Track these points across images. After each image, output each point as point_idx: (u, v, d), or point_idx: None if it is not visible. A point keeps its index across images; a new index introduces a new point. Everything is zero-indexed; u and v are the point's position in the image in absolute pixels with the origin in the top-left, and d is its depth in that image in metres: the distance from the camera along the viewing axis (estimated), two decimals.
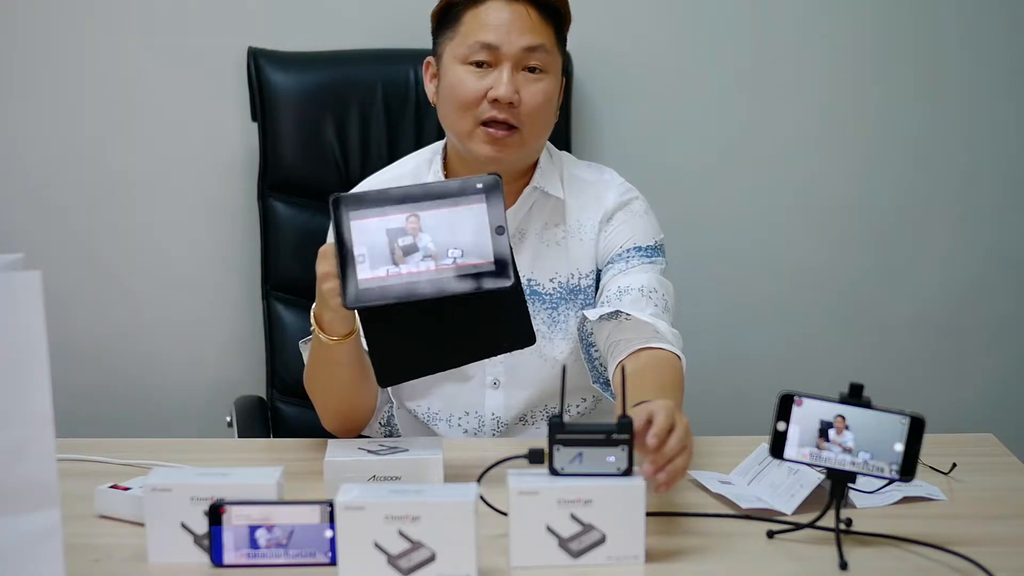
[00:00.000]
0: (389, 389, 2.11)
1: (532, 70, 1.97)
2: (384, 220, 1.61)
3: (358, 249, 1.61)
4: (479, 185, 1.63)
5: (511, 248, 1.63)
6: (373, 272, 1.61)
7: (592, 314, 1.94)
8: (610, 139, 2.63)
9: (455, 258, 1.62)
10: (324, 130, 2.46)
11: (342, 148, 2.47)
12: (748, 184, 2.69)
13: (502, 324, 1.68)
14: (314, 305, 1.78)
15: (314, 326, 1.79)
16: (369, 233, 1.61)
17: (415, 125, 2.47)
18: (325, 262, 1.68)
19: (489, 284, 1.62)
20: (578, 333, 2.01)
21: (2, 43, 2.56)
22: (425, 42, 2.49)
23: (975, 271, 2.75)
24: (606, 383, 2.02)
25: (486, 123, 1.95)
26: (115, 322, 2.67)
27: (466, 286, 1.62)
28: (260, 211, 2.50)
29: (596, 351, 2.00)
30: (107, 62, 2.58)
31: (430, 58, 2.05)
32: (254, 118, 2.48)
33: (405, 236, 1.61)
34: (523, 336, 1.71)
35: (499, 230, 1.62)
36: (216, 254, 2.65)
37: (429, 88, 2.06)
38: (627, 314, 1.90)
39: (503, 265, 1.62)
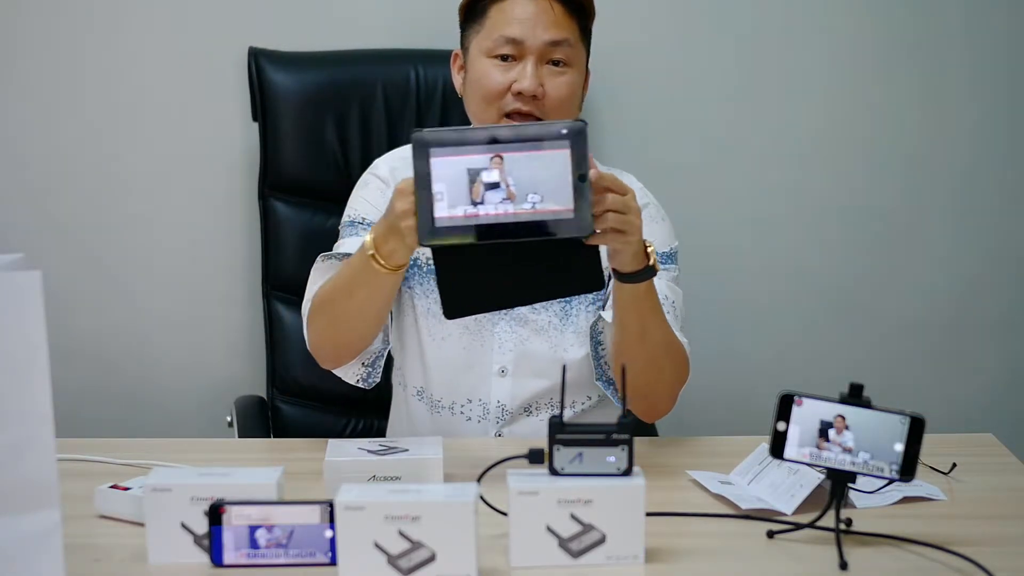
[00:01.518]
0: (394, 370, 2.13)
1: (556, 63, 2.00)
2: (465, 159, 1.60)
3: (436, 186, 1.60)
4: (564, 131, 1.61)
5: (591, 196, 1.61)
6: (451, 211, 1.60)
7: (609, 315, 1.94)
8: (610, 138, 2.63)
9: (534, 203, 1.60)
10: (325, 130, 2.46)
11: (343, 148, 2.47)
12: (748, 184, 2.69)
13: (572, 267, 1.67)
14: (374, 230, 1.77)
15: (371, 251, 1.76)
16: (449, 171, 1.60)
17: (416, 125, 2.47)
18: (403, 199, 1.66)
19: (566, 231, 1.61)
20: (590, 331, 2.01)
21: (2, 43, 2.56)
22: (425, 42, 2.50)
23: (975, 271, 2.75)
24: (608, 381, 2.02)
25: (510, 115, 1.99)
26: (115, 322, 2.67)
27: (542, 232, 1.60)
28: (260, 211, 2.50)
29: (603, 349, 2.00)
30: (108, 62, 2.58)
31: (458, 51, 2.10)
32: (255, 118, 2.48)
33: (490, 171, 1.59)
34: (592, 280, 1.68)
35: (581, 178, 1.61)
36: (216, 254, 2.65)
37: (456, 80, 2.10)
38: None
39: (583, 213, 1.61)
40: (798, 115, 2.68)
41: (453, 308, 1.71)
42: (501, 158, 1.60)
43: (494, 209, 1.60)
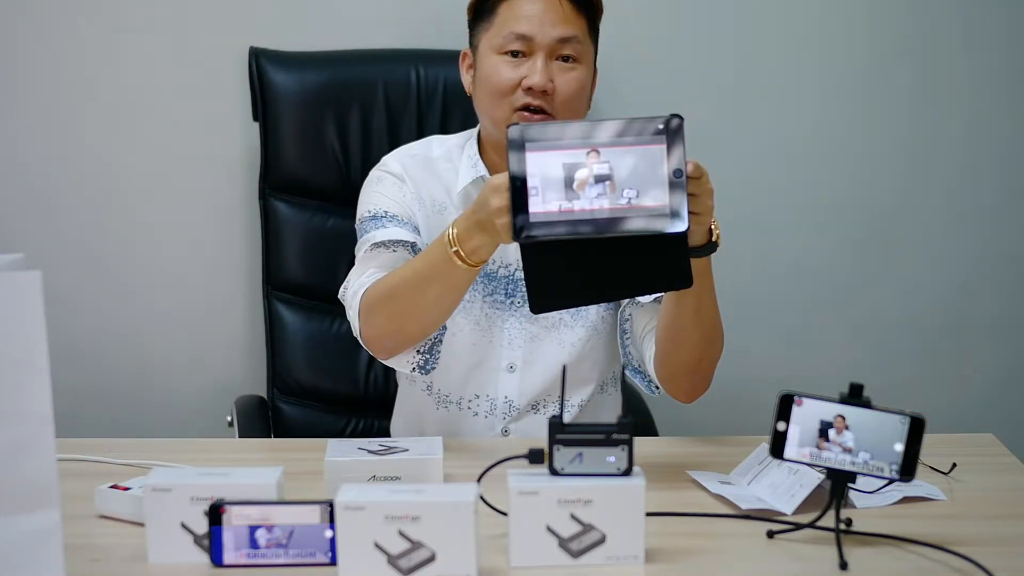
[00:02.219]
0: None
1: (565, 59, 2.01)
2: (562, 154, 1.59)
3: (532, 181, 1.59)
4: (660, 126, 1.60)
5: (687, 192, 1.60)
6: (545, 206, 1.59)
7: (646, 298, 1.96)
8: None
9: (630, 198, 1.59)
10: (325, 130, 2.46)
11: (343, 148, 2.46)
12: (747, 184, 2.69)
13: (662, 264, 1.65)
14: (458, 225, 1.76)
15: (455, 247, 1.75)
16: (545, 166, 1.59)
17: (416, 125, 2.47)
18: (497, 195, 1.65)
19: (662, 227, 1.59)
20: (618, 317, 2.03)
21: (2, 43, 2.56)
22: (426, 42, 2.50)
23: (975, 270, 2.75)
24: (636, 369, 2.02)
25: (521, 110, 1.99)
26: (115, 322, 2.67)
27: (638, 227, 1.59)
28: (261, 211, 2.50)
29: (628, 338, 2.03)
30: (108, 62, 2.58)
31: (466, 50, 2.10)
32: (255, 118, 2.48)
33: (600, 164, 1.58)
34: (681, 278, 1.66)
35: (677, 173, 1.60)
36: (217, 254, 2.65)
37: (465, 79, 2.10)
38: None
39: (678, 209, 1.59)
40: (796, 114, 2.68)
41: (541, 302, 1.67)
42: (598, 153, 1.59)
43: (589, 204, 1.58)
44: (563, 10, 2.01)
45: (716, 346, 1.95)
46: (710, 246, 1.79)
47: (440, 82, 2.46)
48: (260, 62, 2.45)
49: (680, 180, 1.59)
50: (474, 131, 2.14)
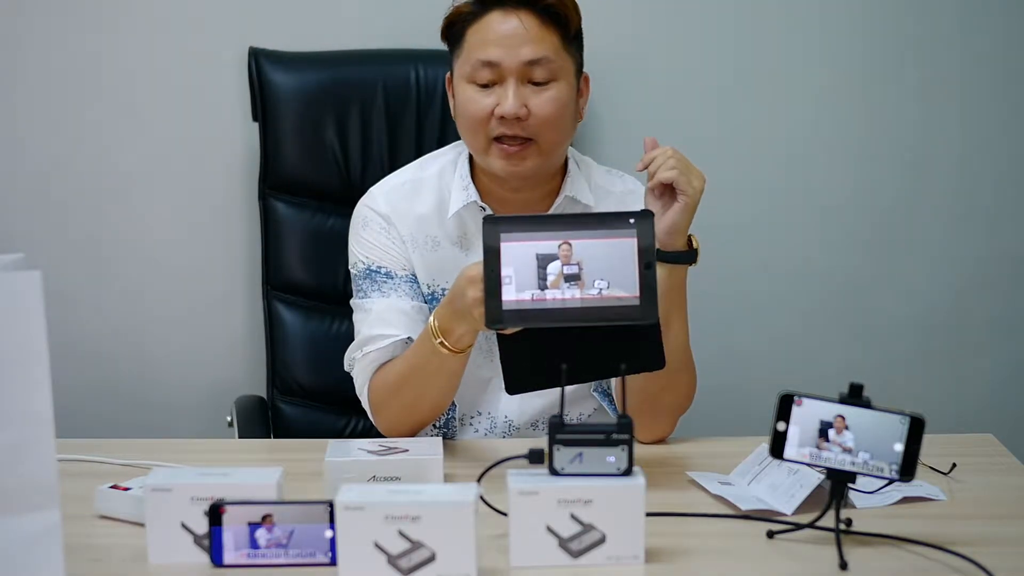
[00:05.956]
0: None
1: (539, 83, 1.94)
2: (535, 244, 1.63)
3: (505, 270, 1.63)
4: (631, 220, 1.65)
5: (656, 284, 1.64)
6: (519, 295, 1.63)
7: None
8: (610, 138, 2.63)
9: (601, 289, 1.63)
10: (325, 130, 2.46)
11: (343, 148, 2.46)
12: (746, 183, 2.69)
13: (636, 348, 1.69)
14: (439, 317, 1.80)
15: (438, 339, 1.80)
16: (518, 256, 1.63)
17: (416, 125, 2.47)
18: (473, 287, 1.69)
19: (631, 318, 1.64)
20: None
21: (3, 43, 2.56)
22: (426, 42, 2.49)
23: (974, 270, 2.75)
24: (603, 392, 2.03)
25: (499, 139, 1.94)
26: (115, 322, 2.67)
27: (608, 317, 1.64)
28: (261, 211, 2.50)
29: None
30: (108, 62, 2.58)
31: (449, 74, 2.05)
32: (255, 118, 2.48)
33: (570, 266, 1.63)
34: (654, 360, 1.72)
35: (647, 265, 1.64)
36: (217, 254, 2.65)
37: (451, 104, 2.05)
38: None
39: (649, 300, 1.63)
40: (796, 114, 2.68)
41: (516, 385, 1.74)
42: (570, 244, 1.63)
43: (561, 294, 1.63)
44: (529, 31, 1.92)
45: (679, 384, 1.93)
46: (689, 254, 1.80)
47: (439, 82, 2.46)
48: (260, 62, 2.45)
49: (650, 272, 1.64)
50: (463, 146, 2.08)
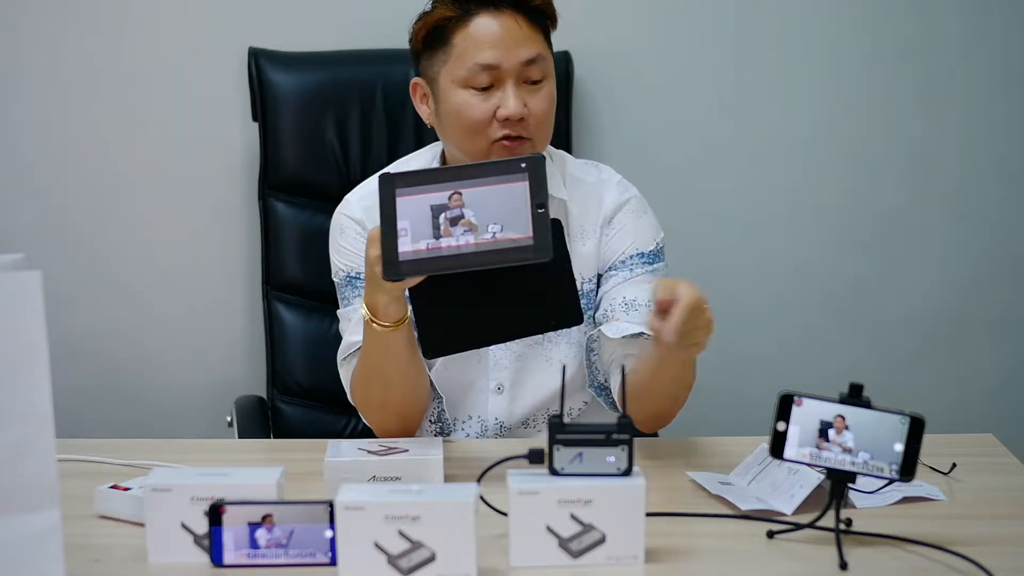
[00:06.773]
0: None
1: (534, 82, 1.94)
2: (428, 197, 1.65)
3: (400, 223, 1.64)
4: (522, 164, 1.66)
5: (552, 225, 1.65)
6: (414, 245, 1.64)
7: (612, 332, 1.93)
8: (610, 139, 2.63)
9: (494, 232, 1.64)
10: (325, 130, 2.46)
11: (342, 148, 2.47)
12: (747, 183, 2.69)
13: (550, 302, 1.71)
14: (364, 296, 1.79)
15: (368, 317, 1.79)
16: (412, 208, 1.64)
17: (415, 125, 2.47)
18: (373, 246, 1.69)
19: (527, 258, 1.64)
20: (587, 340, 2.01)
21: (3, 43, 2.56)
22: None
23: (974, 270, 2.75)
24: (599, 388, 2.02)
25: (500, 141, 1.93)
26: (116, 322, 2.67)
27: (504, 259, 1.64)
28: (260, 211, 2.50)
29: (595, 356, 2.00)
30: (108, 62, 2.58)
31: (417, 80, 2.01)
32: (255, 118, 2.48)
33: (451, 210, 1.64)
34: (571, 315, 1.73)
35: (540, 206, 1.64)
36: (216, 254, 2.65)
37: (422, 110, 2.02)
38: (648, 334, 1.87)
39: (543, 240, 1.64)
40: (796, 115, 2.68)
41: (431, 346, 1.75)
42: (460, 194, 1.65)
43: (455, 241, 1.64)
44: (522, 30, 1.92)
45: (680, 400, 1.94)
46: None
47: None
48: (259, 62, 2.45)
49: (543, 213, 1.64)
50: (438, 148, 2.07)
